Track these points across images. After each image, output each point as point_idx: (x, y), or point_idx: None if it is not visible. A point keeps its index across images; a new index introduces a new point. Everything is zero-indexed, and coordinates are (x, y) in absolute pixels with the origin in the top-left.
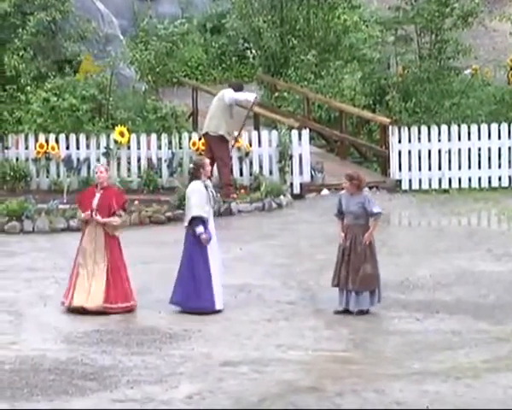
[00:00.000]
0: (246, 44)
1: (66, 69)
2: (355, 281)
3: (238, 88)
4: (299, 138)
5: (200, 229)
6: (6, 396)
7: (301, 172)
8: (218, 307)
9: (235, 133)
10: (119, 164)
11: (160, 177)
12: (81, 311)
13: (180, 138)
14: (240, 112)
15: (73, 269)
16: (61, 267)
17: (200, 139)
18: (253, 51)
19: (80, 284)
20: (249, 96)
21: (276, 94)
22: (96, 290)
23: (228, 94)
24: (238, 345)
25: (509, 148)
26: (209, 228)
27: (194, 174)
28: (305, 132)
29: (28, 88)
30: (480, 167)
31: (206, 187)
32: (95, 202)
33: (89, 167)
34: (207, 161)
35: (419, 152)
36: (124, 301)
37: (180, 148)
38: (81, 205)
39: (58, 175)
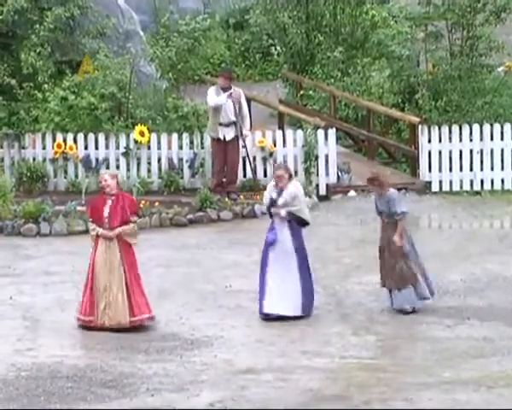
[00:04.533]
0: (270, 41)
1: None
2: (392, 279)
3: (228, 75)
4: (326, 138)
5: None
6: (23, 404)
7: (327, 173)
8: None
9: (246, 132)
10: (138, 164)
11: (182, 178)
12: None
13: (202, 138)
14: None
15: (88, 283)
16: (79, 271)
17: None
18: (278, 48)
19: (99, 299)
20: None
21: (302, 92)
22: (116, 306)
23: (209, 98)
24: (262, 352)
25: None
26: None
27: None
28: (332, 132)
29: (45, 86)
30: None
31: None
32: (106, 210)
33: (108, 168)
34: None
35: (450, 152)
36: (147, 310)
37: (202, 148)
38: (92, 215)
39: (76, 176)
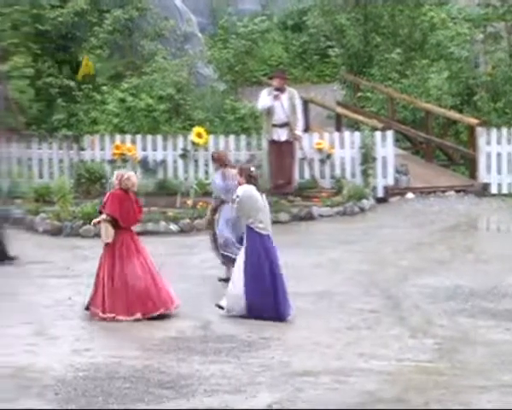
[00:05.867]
0: (328, 42)
1: (143, 68)
2: None
3: (283, 76)
4: (383, 140)
5: None
6: (81, 404)
7: (385, 175)
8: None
9: (298, 133)
10: (196, 166)
11: None
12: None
13: (259, 140)
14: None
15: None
16: None
17: None
18: (336, 49)
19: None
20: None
21: (359, 94)
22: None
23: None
24: (318, 354)
25: None
26: None
27: None
28: (390, 134)
29: (104, 88)
30: None
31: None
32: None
33: (165, 169)
34: None
35: (509, 154)
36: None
37: (259, 149)
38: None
39: None
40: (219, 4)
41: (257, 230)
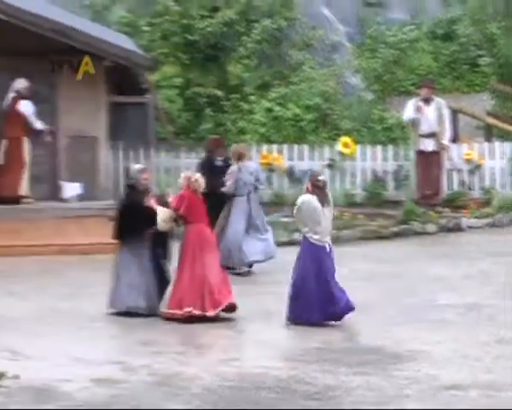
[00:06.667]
0: (478, 52)
1: (291, 78)
2: None
3: (431, 86)
4: None
5: None
6: None
7: None
8: None
9: (445, 143)
10: (342, 176)
11: (386, 190)
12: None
13: (406, 150)
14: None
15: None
16: (280, 281)
17: None
18: (486, 59)
19: None
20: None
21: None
22: None
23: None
24: (467, 367)
25: None
26: None
27: None
28: None
29: (252, 97)
30: None
31: None
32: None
33: None
34: None
35: None
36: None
37: (407, 160)
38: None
39: (280, 187)
40: (368, 14)
41: (311, 240)
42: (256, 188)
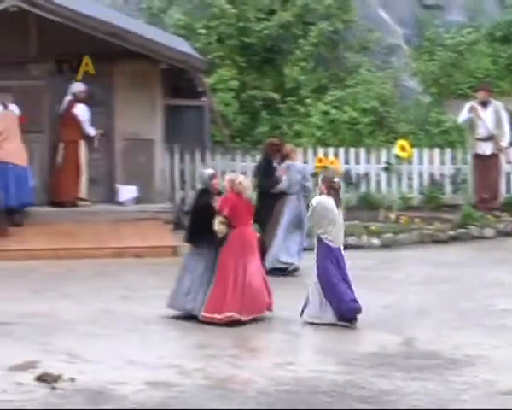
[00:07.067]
0: None
1: (347, 81)
2: None
3: (488, 89)
4: None
5: None
6: None
7: None
8: None
9: (503, 145)
10: (399, 180)
11: (443, 194)
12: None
13: (464, 154)
14: None
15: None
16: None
17: None
18: None
19: None
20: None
21: None
22: None
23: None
24: None
25: None
26: None
27: None
28: None
29: (308, 100)
30: None
31: None
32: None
33: (368, 183)
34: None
35: None
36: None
37: (464, 163)
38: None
39: None
40: (426, 16)
41: (326, 241)
42: (304, 187)
